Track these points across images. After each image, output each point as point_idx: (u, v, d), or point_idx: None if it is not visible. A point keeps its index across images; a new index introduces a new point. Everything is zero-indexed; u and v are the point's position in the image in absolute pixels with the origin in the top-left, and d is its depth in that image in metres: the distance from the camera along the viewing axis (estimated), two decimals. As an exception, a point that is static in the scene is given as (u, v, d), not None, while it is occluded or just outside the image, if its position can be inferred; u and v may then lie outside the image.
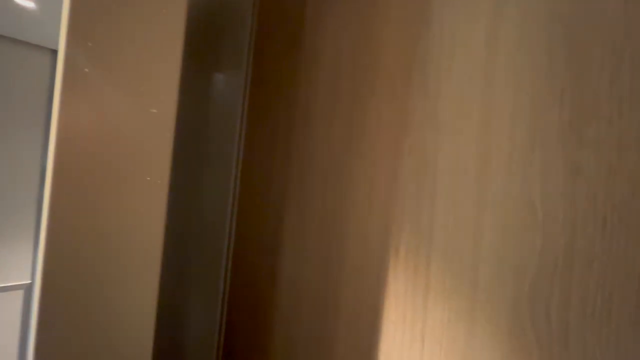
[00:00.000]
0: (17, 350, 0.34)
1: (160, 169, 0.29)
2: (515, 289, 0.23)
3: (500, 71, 0.25)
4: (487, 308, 0.24)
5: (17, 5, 0.31)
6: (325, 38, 0.38)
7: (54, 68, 0.34)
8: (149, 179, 0.28)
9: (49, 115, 0.34)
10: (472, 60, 0.26)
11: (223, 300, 0.45)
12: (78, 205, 0.26)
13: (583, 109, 0.22)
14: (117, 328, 0.28)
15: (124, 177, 0.28)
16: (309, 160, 0.39)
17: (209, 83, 0.48)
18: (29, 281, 0.34)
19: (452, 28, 0.27)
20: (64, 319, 0.26)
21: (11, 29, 0.31)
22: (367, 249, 0.33)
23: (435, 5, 0.28)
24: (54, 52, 0.34)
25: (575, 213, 0.21)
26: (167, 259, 0.32)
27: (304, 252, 0.39)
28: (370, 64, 0.33)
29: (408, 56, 0.30)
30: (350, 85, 0.35)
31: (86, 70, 0.25)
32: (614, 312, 0.19)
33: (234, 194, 0.45)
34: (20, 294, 0.33)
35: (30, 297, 0.35)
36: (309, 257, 0.38)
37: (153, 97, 0.28)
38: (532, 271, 0.22)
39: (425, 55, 0.29)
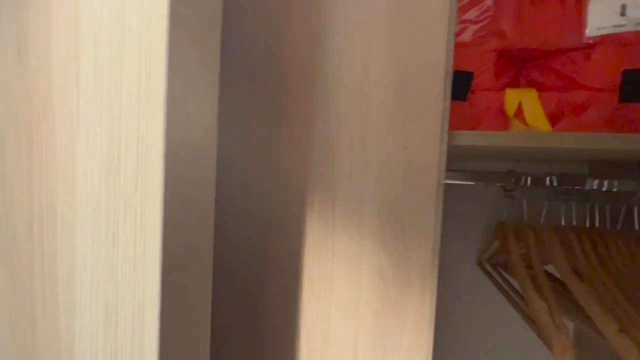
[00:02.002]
0: None
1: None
2: (380, 207, 0.41)
3: (373, 78, 0.43)
4: (371, 226, 0.42)
5: None
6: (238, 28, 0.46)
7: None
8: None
9: None
10: (355, 69, 0.43)
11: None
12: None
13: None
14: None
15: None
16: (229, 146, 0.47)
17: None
18: None
19: (342, 40, 0.43)
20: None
21: None
22: (291, 206, 0.46)
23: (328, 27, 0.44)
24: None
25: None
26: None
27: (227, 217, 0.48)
28: (282, 66, 0.46)
29: (312, 61, 0.44)
30: (270, 84, 0.46)
31: None
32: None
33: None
34: None
35: None
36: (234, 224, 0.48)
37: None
38: (390, 199, 0.41)
39: (324, 61, 0.44)
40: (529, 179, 0.64)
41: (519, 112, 0.53)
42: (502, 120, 0.56)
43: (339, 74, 0.44)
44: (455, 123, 0.56)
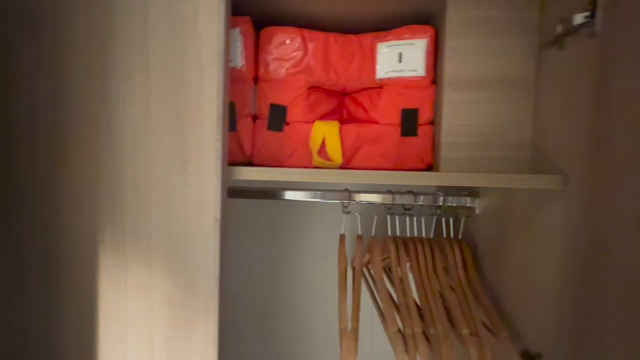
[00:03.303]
0: None
1: None
2: (166, 242, 0.45)
3: (153, 122, 0.45)
4: (160, 259, 0.45)
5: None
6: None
7: None
8: None
9: None
10: (136, 113, 0.45)
11: None
12: None
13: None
14: None
15: None
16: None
17: None
18: None
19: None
20: None
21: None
22: (84, 244, 0.47)
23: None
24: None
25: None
26: None
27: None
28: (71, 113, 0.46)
29: (98, 105, 0.46)
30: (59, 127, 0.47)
31: None
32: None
33: None
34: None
35: None
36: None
37: None
38: (175, 234, 0.44)
39: (107, 101, 0.46)
40: (357, 197, 0.73)
41: (325, 144, 0.60)
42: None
43: (122, 117, 0.46)
44: (275, 152, 0.62)
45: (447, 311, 0.63)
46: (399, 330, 0.57)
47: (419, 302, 0.64)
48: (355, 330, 0.58)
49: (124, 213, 0.47)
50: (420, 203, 0.74)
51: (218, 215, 0.46)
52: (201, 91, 0.45)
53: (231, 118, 0.59)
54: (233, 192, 0.77)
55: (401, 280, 0.67)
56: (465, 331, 0.57)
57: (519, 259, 0.60)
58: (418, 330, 0.57)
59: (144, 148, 0.46)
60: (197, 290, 0.47)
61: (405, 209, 0.76)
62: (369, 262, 0.74)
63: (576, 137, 0.47)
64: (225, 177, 0.47)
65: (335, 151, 0.59)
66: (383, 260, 0.75)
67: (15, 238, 0.47)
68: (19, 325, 0.48)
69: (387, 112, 0.60)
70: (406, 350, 0.54)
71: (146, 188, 0.46)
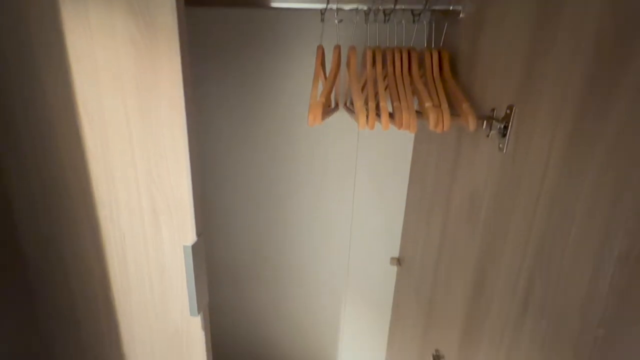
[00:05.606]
0: None
1: None
2: None
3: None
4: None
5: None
6: None
7: None
8: None
9: None
10: None
11: None
12: None
13: None
14: None
15: None
16: None
17: None
18: None
19: None
20: None
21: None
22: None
23: None
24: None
25: None
26: None
27: None
28: None
29: None
30: None
31: None
32: None
33: None
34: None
35: None
36: None
37: None
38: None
39: None
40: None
41: None
42: None
43: None
44: None
45: (414, 96, 0.65)
46: (365, 104, 0.59)
47: (389, 91, 0.65)
48: (322, 102, 0.60)
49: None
50: (402, 7, 0.70)
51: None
52: None
53: None
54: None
55: (374, 75, 0.67)
56: (428, 104, 0.59)
57: (488, 44, 0.58)
58: (383, 104, 0.60)
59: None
60: (159, 27, 0.47)
61: (385, 14, 0.72)
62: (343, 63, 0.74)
63: None
64: None
65: None
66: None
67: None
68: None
69: None
70: (367, 118, 0.57)
71: None
